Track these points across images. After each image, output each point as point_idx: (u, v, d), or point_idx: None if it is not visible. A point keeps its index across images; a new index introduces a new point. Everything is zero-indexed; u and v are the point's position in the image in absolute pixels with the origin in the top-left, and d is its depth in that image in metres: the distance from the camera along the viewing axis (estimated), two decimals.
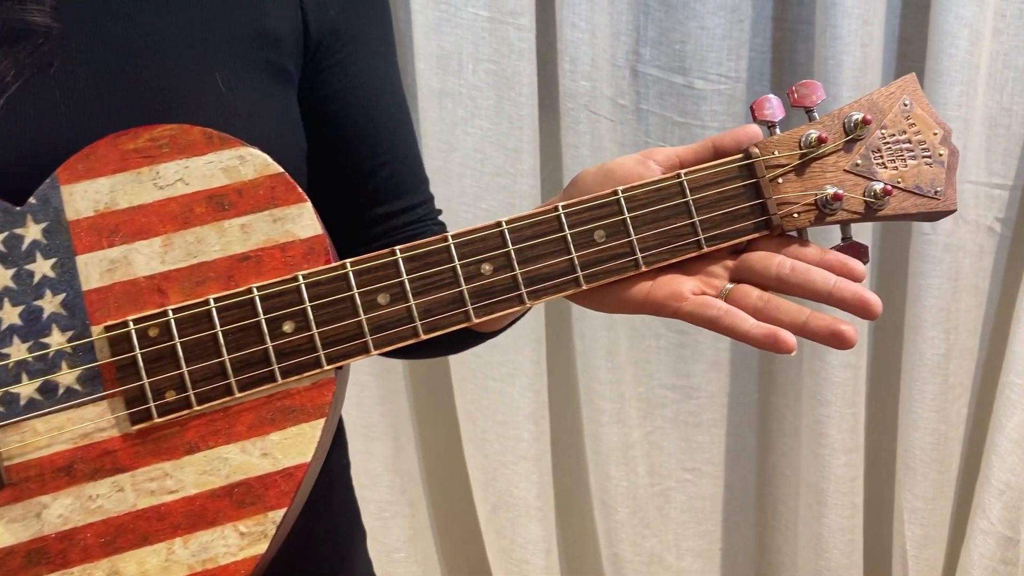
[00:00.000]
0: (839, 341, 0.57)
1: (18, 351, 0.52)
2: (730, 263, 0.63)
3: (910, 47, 1.43)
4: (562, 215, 0.59)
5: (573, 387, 1.56)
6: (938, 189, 0.63)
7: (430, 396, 1.56)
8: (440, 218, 0.80)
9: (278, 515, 0.53)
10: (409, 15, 1.33)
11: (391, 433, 1.51)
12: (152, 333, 0.53)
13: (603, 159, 1.45)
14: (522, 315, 0.71)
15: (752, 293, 0.59)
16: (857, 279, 0.59)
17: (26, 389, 0.52)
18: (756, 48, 1.45)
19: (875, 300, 0.58)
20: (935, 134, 0.64)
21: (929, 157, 0.63)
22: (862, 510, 1.54)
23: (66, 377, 0.53)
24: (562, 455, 1.60)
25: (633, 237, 0.59)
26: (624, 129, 1.49)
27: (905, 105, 0.64)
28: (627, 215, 0.59)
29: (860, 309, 0.58)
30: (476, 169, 1.40)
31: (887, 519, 1.60)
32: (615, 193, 0.60)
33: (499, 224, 0.58)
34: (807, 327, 0.58)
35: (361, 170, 0.73)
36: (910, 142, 0.63)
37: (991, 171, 1.42)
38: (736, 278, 0.62)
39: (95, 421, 0.52)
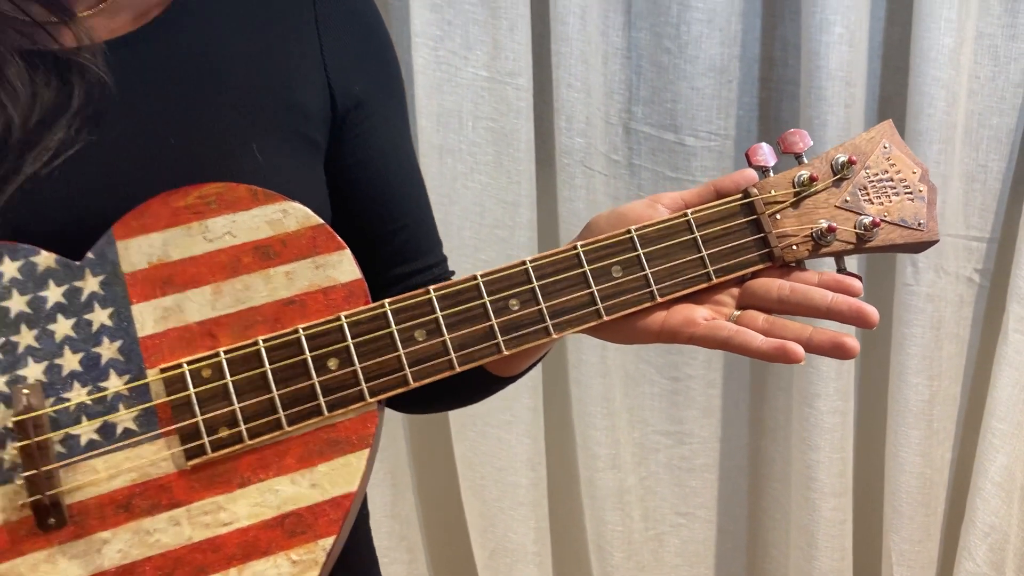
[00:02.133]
0: (842, 351, 0.62)
1: (78, 395, 0.56)
2: (736, 291, 0.68)
3: (890, 106, 1.49)
4: (581, 252, 0.64)
5: (569, 433, 1.59)
6: (921, 221, 0.69)
7: (428, 442, 1.59)
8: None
9: (328, 542, 0.56)
10: (411, 75, 1.37)
11: (389, 480, 1.53)
12: (205, 374, 0.57)
13: (598, 212, 1.50)
14: (542, 358, 0.75)
15: (758, 316, 0.65)
16: (854, 294, 0.64)
17: (86, 430, 0.56)
18: (744, 107, 1.51)
19: (871, 310, 0.63)
20: (914, 172, 0.70)
21: (911, 193, 0.69)
22: (851, 552, 1.57)
23: (124, 417, 0.56)
24: (559, 500, 1.63)
25: (648, 271, 0.64)
26: (618, 183, 1.53)
27: (885, 147, 0.70)
28: (640, 251, 0.64)
29: (858, 319, 0.63)
30: (475, 221, 1.44)
31: (876, 561, 1.64)
32: (628, 232, 0.65)
33: (523, 263, 0.63)
34: (812, 341, 0.62)
35: (381, 233, 0.77)
36: (892, 180, 0.69)
37: (969, 224, 1.48)
38: (742, 305, 0.67)
39: (152, 458, 0.56)
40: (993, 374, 1.46)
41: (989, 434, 1.46)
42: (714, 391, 1.60)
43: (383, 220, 0.77)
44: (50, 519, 0.54)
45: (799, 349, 0.61)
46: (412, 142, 0.83)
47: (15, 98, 0.60)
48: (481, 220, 1.44)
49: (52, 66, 0.63)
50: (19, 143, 0.60)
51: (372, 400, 0.59)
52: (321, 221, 0.61)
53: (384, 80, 0.77)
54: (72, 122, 0.62)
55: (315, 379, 0.58)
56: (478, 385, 0.72)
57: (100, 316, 0.57)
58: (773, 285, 0.66)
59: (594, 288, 0.63)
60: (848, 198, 0.67)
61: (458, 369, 0.61)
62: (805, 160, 0.68)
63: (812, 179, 0.66)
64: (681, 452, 1.62)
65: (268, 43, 0.70)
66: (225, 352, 0.57)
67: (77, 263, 0.57)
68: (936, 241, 0.69)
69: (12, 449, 0.55)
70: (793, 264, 0.68)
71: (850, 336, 0.62)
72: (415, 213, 0.80)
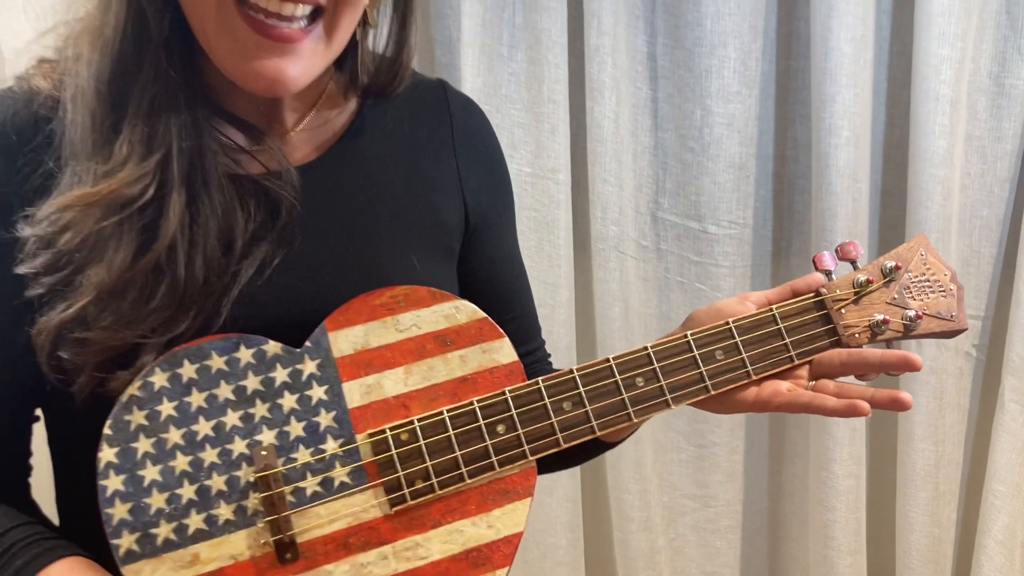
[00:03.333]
0: (899, 404, 0.78)
1: (303, 456, 0.70)
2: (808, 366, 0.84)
3: (891, 199, 1.66)
4: (691, 340, 0.79)
5: (605, 498, 1.71)
6: (953, 314, 0.85)
7: None
8: None
9: (503, 572, 0.70)
10: None
11: None
12: (403, 437, 0.72)
13: (629, 293, 1.65)
14: (637, 428, 0.89)
15: (829, 384, 0.80)
16: (907, 360, 0.79)
17: (311, 484, 0.70)
18: (760, 199, 1.66)
19: (916, 357, 0.79)
20: (945, 274, 0.87)
21: (944, 291, 0.85)
22: None
23: (340, 473, 0.70)
24: (595, 560, 1.74)
25: (744, 355, 0.80)
26: (647, 266, 1.68)
27: (922, 255, 0.86)
28: (738, 339, 0.80)
29: (906, 365, 0.79)
30: None
31: None
32: (727, 323, 0.80)
33: (646, 348, 0.78)
34: (874, 399, 0.78)
35: (498, 322, 0.89)
36: (929, 281, 0.85)
37: (965, 305, 1.64)
38: (814, 375, 0.83)
39: (363, 506, 0.70)
40: (992, 440, 1.60)
41: (991, 496, 1.60)
42: (737, 457, 1.72)
43: (499, 311, 0.89)
44: (287, 554, 0.67)
45: (865, 405, 0.77)
46: (519, 246, 0.98)
47: (232, 217, 0.74)
48: None
49: (255, 189, 0.77)
50: (238, 254, 0.74)
51: (532, 458, 0.74)
52: (485, 315, 0.76)
53: (503, 198, 0.93)
54: (274, 236, 0.76)
55: (488, 441, 0.73)
56: (592, 449, 0.86)
57: (318, 392, 0.71)
58: (835, 355, 0.82)
59: (702, 368, 0.78)
60: (896, 296, 0.84)
61: (598, 433, 0.75)
62: (859, 264, 0.84)
63: (868, 281, 0.82)
64: (707, 515, 1.74)
65: (418, 170, 0.86)
66: (418, 420, 0.72)
67: (298, 350, 0.72)
68: (965, 329, 0.86)
69: (255, 499, 0.68)
70: (855, 348, 0.83)
71: (904, 392, 0.78)
72: (524, 307, 0.95)
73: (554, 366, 1.00)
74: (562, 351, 1.61)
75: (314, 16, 0.72)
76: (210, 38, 0.71)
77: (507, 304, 0.92)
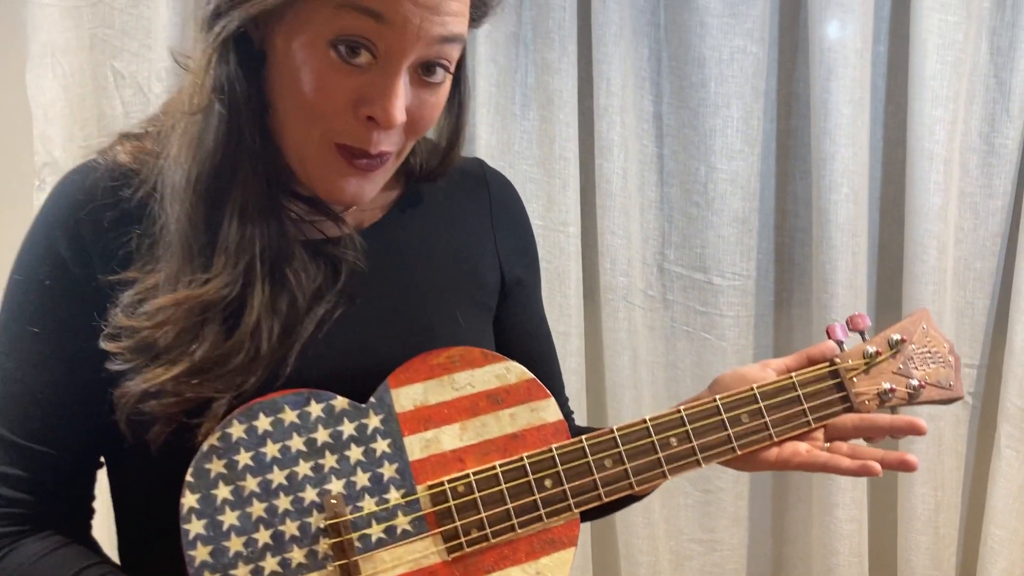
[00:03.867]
0: (907, 466, 0.86)
1: (369, 504, 0.75)
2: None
3: (888, 252, 1.73)
4: (720, 404, 0.85)
5: (614, 543, 1.76)
6: (951, 383, 0.92)
7: None
8: None
9: None
10: None
11: None
12: (459, 489, 0.77)
13: (637, 342, 1.70)
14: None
15: (843, 445, 0.87)
16: (914, 425, 0.86)
17: (376, 531, 0.75)
18: (763, 251, 1.73)
19: (922, 423, 0.87)
20: (944, 346, 0.94)
21: (943, 362, 0.93)
22: None
23: (402, 522, 0.75)
24: None
25: (767, 419, 0.86)
26: (654, 316, 1.74)
27: (924, 328, 0.93)
28: (761, 404, 0.86)
29: (912, 430, 0.87)
30: None
31: None
32: (752, 389, 0.86)
33: (679, 410, 0.84)
34: (885, 460, 0.85)
35: None
36: (930, 352, 0.92)
37: (960, 353, 1.70)
38: (829, 437, 0.89)
39: (423, 552, 0.75)
40: (989, 485, 1.67)
41: (989, 540, 1.66)
42: (742, 502, 1.78)
43: (528, 368, 0.96)
44: None
45: (877, 465, 0.84)
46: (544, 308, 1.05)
47: (299, 279, 0.80)
48: None
49: (322, 252, 0.83)
50: (303, 313, 0.80)
51: (576, 510, 0.79)
52: (533, 376, 0.82)
53: (532, 263, 1.00)
54: (335, 296, 0.82)
55: (536, 495, 0.78)
56: (625, 500, 0.91)
57: (381, 445, 0.76)
58: (848, 419, 0.90)
59: (730, 431, 0.85)
60: (901, 366, 0.91)
61: (636, 490, 0.81)
62: (867, 336, 0.91)
63: (877, 353, 0.90)
64: (713, 559, 1.79)
65: (461, 237, 0.93)
66: (474, 473, 0.77)
67: (363, 405, 0.77)
68: (961, 398, 0.93)
69: (325, 544, 0.73)
70: (865, 413, 0.90)
71: (912, 455, 0.84)
72: (550, 364, 1.01)
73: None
74: (572, 398, 1.65)
75: None
76: (306, 163, 0.79)
77: (536, 362, 0.97)
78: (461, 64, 0.85)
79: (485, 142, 1.61)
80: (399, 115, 0.75)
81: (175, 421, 0.75)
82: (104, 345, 0.77)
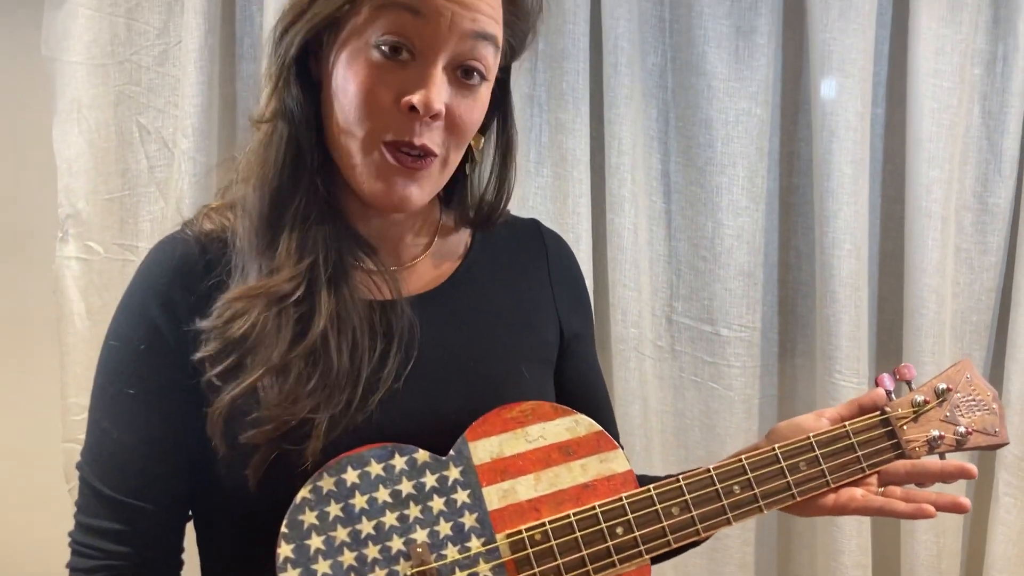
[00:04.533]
0: (960, 508, 0.90)
1: (452, 553, 0.79)
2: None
3: (888, 305, 1.81)
4: (779, 453, 0.89)
5: None
6: (997, 430, 0.97)
7: None
8: None
9: None
10: None
11: None
12: (536, 537, 0.81)
13: (648, 392, 1.75)
14: None
15: (897, 490, 0.91)
16: (968, 472, 0.92)
17: None
18: (767, 304, 1.80)
19: (972, 467, 0.92)
20: (988, 394, 0.99)
21: (988, 409, 0.97)
22: None
23: (483, 569, 0.79)
24: None
25: (823, 466, 0.91)
26: (663, 366, 1.79)
27: (968, 377, 0.98)
28: (818, 452, 0.90)
29: (962, 474, 0.92)
30: None
31: None
32: (808, 438, 0.91)
33: (740, 459, 0.88)
34: (938, 502, 0.89)
35: None
36: (975, 400, 0.97)
37: None
38: (883, 482, 0.94)
39: None
40: (988, 532, 1.72)
41: None
42: (748, 548, 1.81)
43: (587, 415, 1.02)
44: None
45: (931, 508, 0.88)
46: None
47: (362, 339, 0.85)
48: None
49: (382, 313, 0.88)
50: (371, 372, 0.85)
51: (647, 556, 0.83)
52: (601, 428, 0.86)
53: (587, 317, 1.06)
54: (398, 356, 0.87)
55: (609, 542, 0.83)
56: (688, 545, 0.95)
57: (461, 496, 0.80)
58: (900, 465, 0.94)
59: (789, 478, 0.89)
60: (948, 414, 0.96)
61: (703, 536, 0.85)
62: (914, 385, 0.96)
63: (926, 402, 0.95)
64: None
65: (522, 294, 0.98)
66: (549, 522, 0.81)
67: (443, 458, 0.81)
68: (1007, 443, 0.98)
69: None
70: (916, 459, 0.95)
71: (964, 497, 0.89)
72: (605, 411, 1.06)
73: None
74: None
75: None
76: (356, 164, 0.86)
77: (594, 411, 1.02)
78: (507, 105, 0.95)
79: None
80: (437, 102, 0.82)
81: (275, 448, 0.80)
82: (197, 356, 0.83)
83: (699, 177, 1.74)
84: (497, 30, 0.86)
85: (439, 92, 0.83)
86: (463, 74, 0.85)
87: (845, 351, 1.70)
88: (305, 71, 0.88)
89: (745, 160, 1.72)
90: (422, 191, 0.87)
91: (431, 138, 0.84)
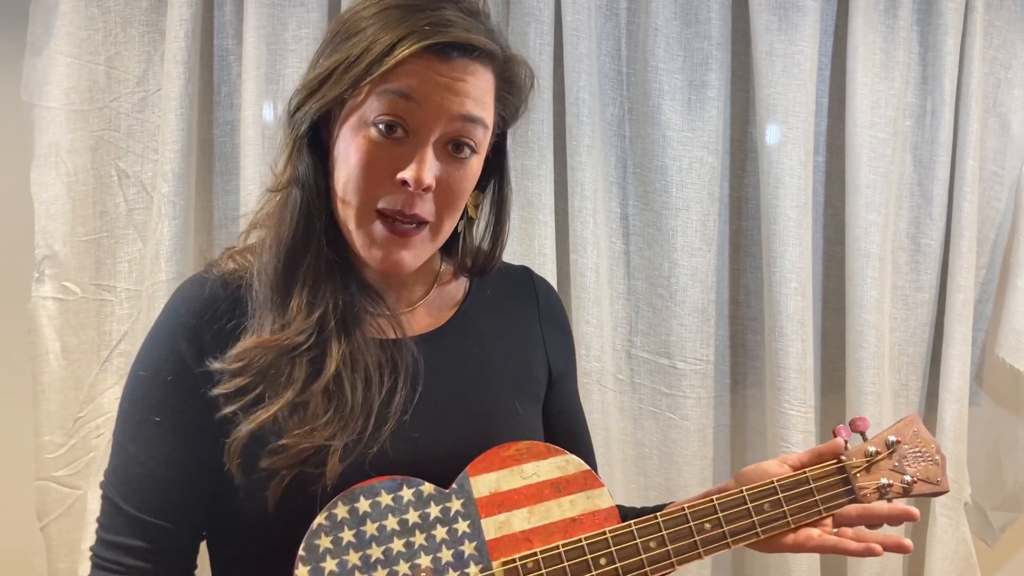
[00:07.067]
0: (903, 548, 0.99)
1: None
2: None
3: (831, 339, 1.92)
4: (746, 495, 0.99)
5: None
6: (939, 479, 1.07)
7: None
8: None
9: None
10: None
11: None
12: (529, 565, 0.90)
13: (609, 422, 1.84)
14: None
15: (848, 530, 1.01)
16: (911, 516, 1.01)
17: None
18: (720, 339, 1.90)
19: (915, 511, 1.01)
20: (932, 446, 1.09)
21: (931, 460, 1.08)
22: None
23: None
24: None
25: (785, 508, 1.01)
26: (623, 397, 1.88)
27: (915, 431, 1.09)
28: (780, 495, 1.00)
29: (906, 517, 1.01)
30: None
31: None
32: (772, 483, 1.01)
33: (711, 500, 0.98)
34: (885, 542, 0.99)
35: None
36: (920, 452, 1.08)
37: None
38: (837, 523, 1.03)
39: None
40: (927, 550, 1.84)
41: None
42: (706, 571, 1.91)
43: (566, 448, 1.10)
44: None
45: (879, 547, 0.98)
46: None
47: (375, 374, 0.93)
48: None
49: (390, 350, 0.96)
50: (381, 405, 0.93)
51: None
52: (588, 467, 0.96)
53: (571, 357, 1.15)
54: (405, 390, 0.95)
55: (593, 571, 0.91)
56: None
57: (462, 526, 0.89)
58: (852, 509, 1.03)
59: (755, 518, 0.99)
60: (896, 464, 1.06)
61: (676, 568, 0.94)
62: (867, 436, 1.07)
63: (877, 452, 1.05)
64: None
65: (515, 336, 1.08)
66: (540, 552, 0.90)
67: (446, 490, 0.90)
68: (947, 491, 1.08)
69: None
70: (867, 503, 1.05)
71: (907, 539, 1.00)
72: (585, 442, 1.15)
73: None
74: None
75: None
76: (352, 231, 0.95)
77: (575, 443, 1.12)
78: (504, 167, 1.04)
79: None
80: (427, 177, 0.91)
81: (295, 471, 0.88)
82: (217, 391, 0.91)
83: (656, 220, 1.84)
84: (485, 112, 0.95)
85: (429, 168, 0.91)
86: (454, 148, 0.94)
87: (793, 382, 1.80)
88: (317, 139, 0.97)
89: (698, 204, 1.82)
90: (414, 256, 0.96)
91: (423, 207, 0.93)
